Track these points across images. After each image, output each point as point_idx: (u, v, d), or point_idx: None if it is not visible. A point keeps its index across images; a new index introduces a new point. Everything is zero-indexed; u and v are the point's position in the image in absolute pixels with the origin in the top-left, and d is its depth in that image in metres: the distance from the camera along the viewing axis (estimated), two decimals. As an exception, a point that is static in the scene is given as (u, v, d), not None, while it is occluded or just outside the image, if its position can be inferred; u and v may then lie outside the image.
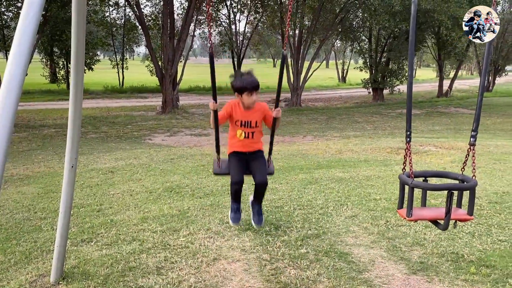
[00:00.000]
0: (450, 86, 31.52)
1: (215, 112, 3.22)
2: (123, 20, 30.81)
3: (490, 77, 35.90)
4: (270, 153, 3.51)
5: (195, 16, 20.39)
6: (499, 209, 4.80)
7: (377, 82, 26.86)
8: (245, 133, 3.39)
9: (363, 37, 28.06)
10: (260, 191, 3.38)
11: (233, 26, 28.82)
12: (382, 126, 16.28)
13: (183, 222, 4.51)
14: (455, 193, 2.50)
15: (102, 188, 6.17)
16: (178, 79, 19.81)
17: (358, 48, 28.26)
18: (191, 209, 4.95)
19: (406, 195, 2.49)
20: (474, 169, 2.41)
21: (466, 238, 4.00)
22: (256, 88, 3.27)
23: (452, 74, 35.96)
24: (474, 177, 2.42)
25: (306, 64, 23.71)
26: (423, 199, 2.70)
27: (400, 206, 2.60)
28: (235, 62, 33.24)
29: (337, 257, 3.63)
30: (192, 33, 22.80)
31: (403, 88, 27.02)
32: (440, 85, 31.18)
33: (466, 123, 16.86)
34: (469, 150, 2.42)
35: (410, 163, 2.43)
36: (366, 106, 24.65)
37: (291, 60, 22.73)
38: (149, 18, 24.13)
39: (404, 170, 2.54)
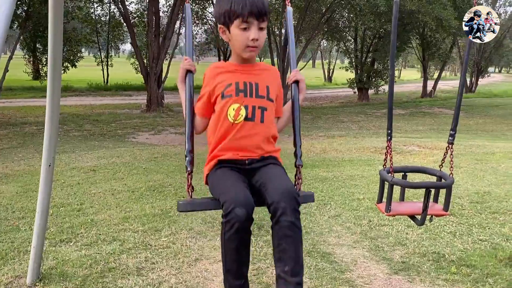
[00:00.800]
0: (434, 87, 31.93)
1: (190, 75, 1.77)
2: (108, 17, 30.47)
3: (473, 78, 36.46)
4: (297, 164, 1.91)
5: (181, 14, 20.22)
6: (480, 209, 4.85)
7: (363, 82, 27.07)
8: (247, 109, 1.81)
9: (349, 37, 28.25)
10: (284, 221, 1.68)
11: (219, 25, 28.76)
12: (367, 126, 16.39)
13: (165, 221, 4.45)
14: (433, 190, 2.55)
15: (83, 187, 6.06)
16: (163, 77, 19.67)
17: (344, 48, 28.44)
18: (174, 209, 4.88)
19: (385, 190, 2.54)
20: (451, 167, 2.46)
21: (448, 238, 4.02)
22: (261, 13, 1.69)
23: (436, 75, 36.43)
24: (451, 175, 2.45)
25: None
26: (402, 194, 2.76)
27: (380, 200, 2.66)
28: (221, 60, 33.12)
29: (319, 257, 3.61)
30: (177, 31, 22.65)
31: (388, 88, 27.30)
32: (424, 86, 31.58)
33: (449, 124, 16.88)
34: (447, 148, 2.47)
35: (390, 160, 2.47)
36: (351, 106, 24.80)
37: (277, 60, 22.75)
38: (135, 15, 23.90)
39: (385, 166, 2.56)
